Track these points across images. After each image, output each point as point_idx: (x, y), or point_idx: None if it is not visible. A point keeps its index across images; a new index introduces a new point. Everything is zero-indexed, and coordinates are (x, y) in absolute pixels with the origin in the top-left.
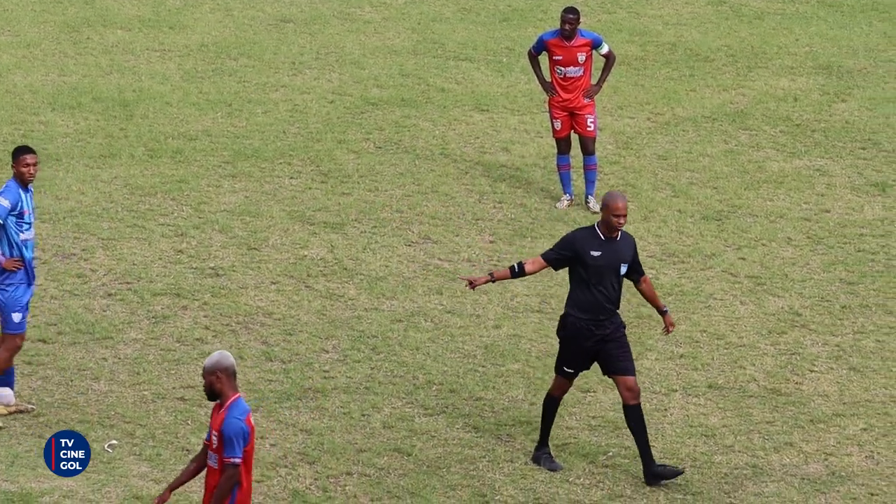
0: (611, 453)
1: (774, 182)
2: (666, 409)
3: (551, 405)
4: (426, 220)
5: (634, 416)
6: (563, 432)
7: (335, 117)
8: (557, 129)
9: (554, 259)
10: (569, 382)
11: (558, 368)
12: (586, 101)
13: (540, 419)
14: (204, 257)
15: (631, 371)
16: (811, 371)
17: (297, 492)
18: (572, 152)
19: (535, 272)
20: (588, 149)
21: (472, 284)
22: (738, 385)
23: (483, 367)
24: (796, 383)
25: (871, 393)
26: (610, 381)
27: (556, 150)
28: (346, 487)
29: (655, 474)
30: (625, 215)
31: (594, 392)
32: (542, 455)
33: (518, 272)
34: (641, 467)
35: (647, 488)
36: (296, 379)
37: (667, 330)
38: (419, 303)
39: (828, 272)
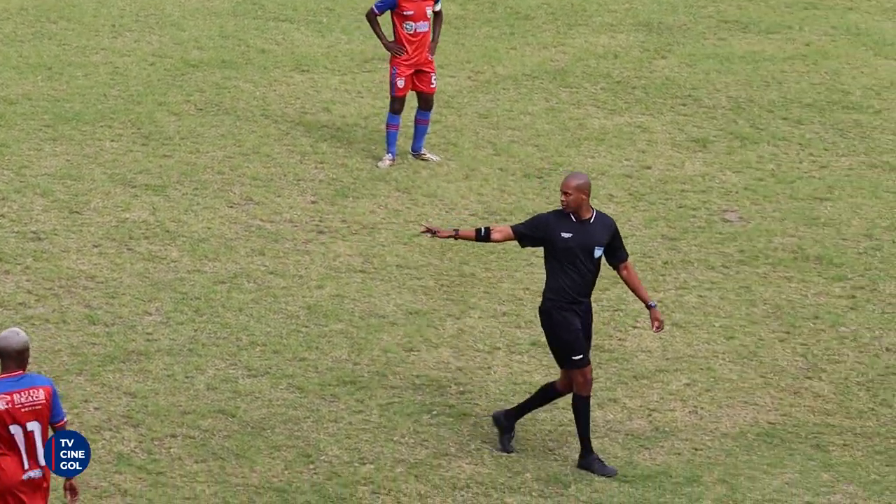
0: (435, 412)
1: (596, 139)
2: (489, 367)
3: (584, 406)
4: (248, 181)
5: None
6: (388, 391)
7: (156, 80)
8: (400, 87)
9: (522, 233)
10: (587, 369)
11: (566, 362)
12: (430, 57)
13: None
14: (25, 221)
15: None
16: (634, 327)
17: (122, 455)
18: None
19: (500, 241)
20: (429, 104)
21: (432, 232)
22: None
23: (306, 327)
24: (619, 340)
25: (693, 348)
26: (437, 339)
27: (388, 109)
28: (171, 449)
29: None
30: (567, 193)
31: (417, 351)
32: (593, 461)
33: (483, 236)
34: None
35: (472, 446)
36: (119, 342)
37: (655, 327)
38: (241, 264)
39: (649, 228)
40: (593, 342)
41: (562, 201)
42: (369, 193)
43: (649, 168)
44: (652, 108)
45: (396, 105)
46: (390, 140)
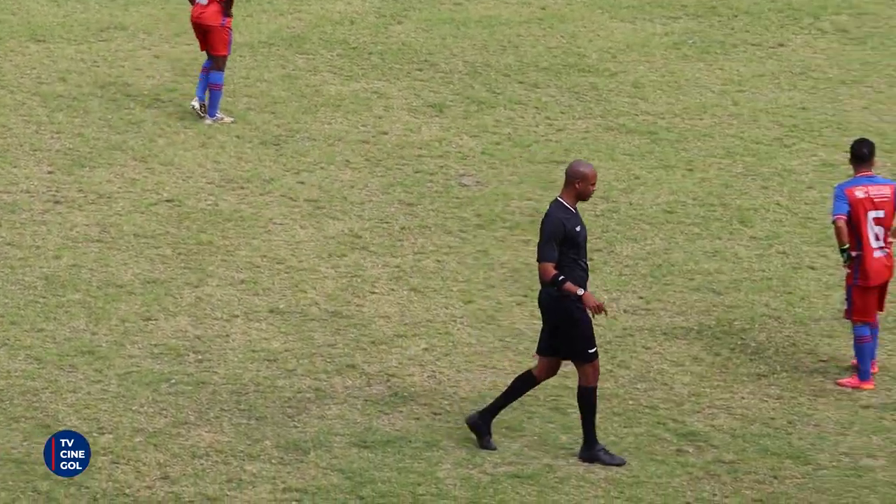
0: (173, 381)
1: (332, 105)
2: (228, 335)
3: (591, 397)
4: None
5: (525, 389)
6: (126, 361)
7: None
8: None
9: (555, 255)
10: (597, 361)
11: (584, 355)
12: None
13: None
14: None
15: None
16: (372, 293)
17: None
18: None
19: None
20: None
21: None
22: (299, 309)
23: (44, 298)
24: (357, 305)
25: (431, 313)
26: (175, 308)
27: (219, 69)
28: None
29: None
30: (594, 184)
31: (156, 320)
32: (598, 452)
33: (560, 283)
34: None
35: (211, 414)
36: None
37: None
38: None
39: (387, 194)
40: (329, 308)
41: (591, 192)
42: (106, 163)
43: (386, 133)
44: (388, 73)
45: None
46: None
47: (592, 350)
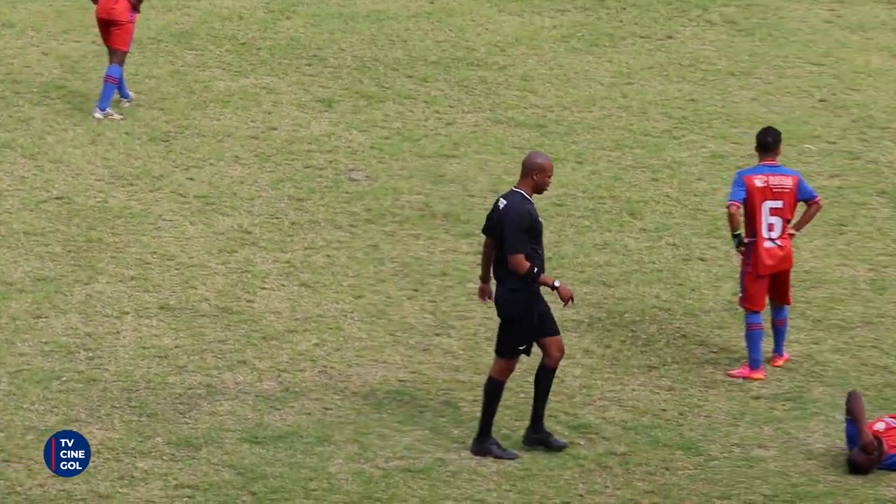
0: (64, 378)
1: (221, 101)
2: (118, 332)
3: (497, 390)
4: None
5: (549, 379)
6: (16, 359)
7: None
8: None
9: (527, 246)
10: (516, 362)
11: (508, 350)
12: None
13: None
14: None
15: (558, 330)
16: (262, 288)
17: None
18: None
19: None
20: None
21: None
22: (189, 305)
23: None
24: (248, 301)
25: (322, 308)
26: (66, 305)
27: (120, 63)
28: None
29: (539, 440)
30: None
31: (46, 317)
32: (490, 445)
33: (536, 275)
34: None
35: (103, 411)
36: None
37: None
38: None
39: (276, 189)
40: (219, 304)
41: (547, 184)
42: None
43: (275, 129)
44: (277, 69)
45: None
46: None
47: (522, 347)
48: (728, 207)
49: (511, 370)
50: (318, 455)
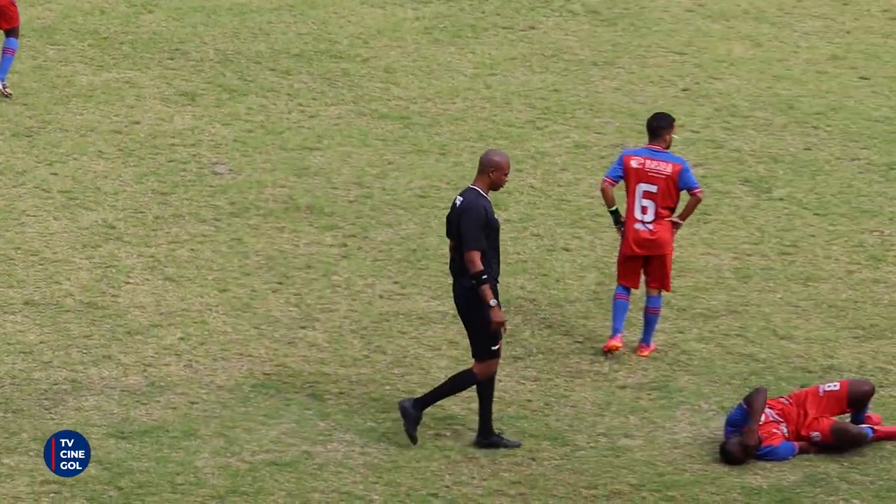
0: None
1: (84, 96)
2: None
3: (488, 391)
4: None
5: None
6: None
7: None
8: None
9: (484, 244)
10: (496, 362)
11: (481, 352)
12: None
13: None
14: None
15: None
16: (127, 283)
17: None
18: None
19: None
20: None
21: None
22: (54, 301)
23: None
24: (112, 296)
25: (187, 302)
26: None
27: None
28: None
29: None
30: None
31: None
32: (494, 439)
33: (482, 282)
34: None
35: None
36: None
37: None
38: None
39: (140, 184)
40: (84, 299)
41: (504, 182)
42: None
43: (138, 123)
44: (140, 63)
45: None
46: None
47: (495, 347)
48: (601, 183)
49: (493, 369)
50: (185, 449)
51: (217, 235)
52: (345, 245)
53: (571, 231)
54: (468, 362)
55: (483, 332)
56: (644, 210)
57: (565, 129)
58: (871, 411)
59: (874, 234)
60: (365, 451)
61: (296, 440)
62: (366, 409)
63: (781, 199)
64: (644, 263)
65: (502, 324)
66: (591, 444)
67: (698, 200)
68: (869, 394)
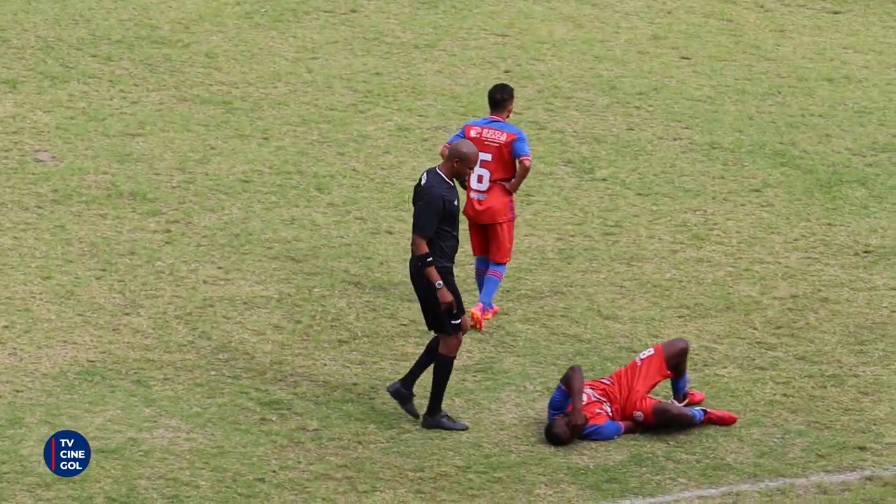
0: None
1: None
2: None
3: (447, 367)
4: None
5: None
6: None
7: None
8: None
9: (433, 230)
10: (460, 336)
11: (446, 327)
12: None
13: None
14: None
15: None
16: None
17: None
18: None
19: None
20: None
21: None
22: None
23: None
24: None
25: (10, 290)
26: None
27: None
28: None
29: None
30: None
31: None
32: (441, 418)
33: (428, 265)
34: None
35: None
36: None
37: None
38: None
39: None
40: None
41: (466, 174)
42: None
43: None
44: None
45: None
46: None
47: (456, 322)
48: (442, 149)
49: (458, 343)
50: (10, 438)
51: (40, 223)
52: (168, 231)
53: (395, 214)
54: (293, 346)
55: (437, 309)
56: (479, 179)
57: (387, 112)
58: (696, 389)
59: (697, 213)
60: (191, 437)
61: (121, 427)
62: (191, 395)
63: (604, 180)
64: (483, 232)
65: (450, 304)
66: (418, 428)
67: (526, 169)
68: (684, 350)
